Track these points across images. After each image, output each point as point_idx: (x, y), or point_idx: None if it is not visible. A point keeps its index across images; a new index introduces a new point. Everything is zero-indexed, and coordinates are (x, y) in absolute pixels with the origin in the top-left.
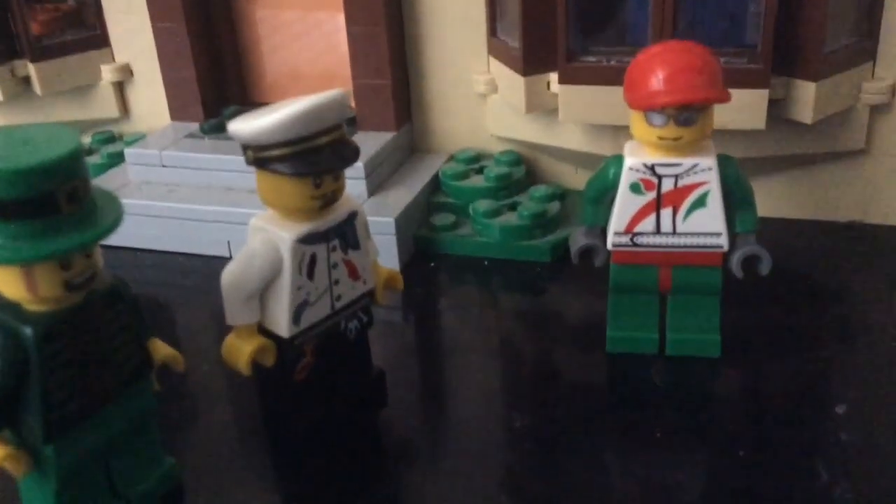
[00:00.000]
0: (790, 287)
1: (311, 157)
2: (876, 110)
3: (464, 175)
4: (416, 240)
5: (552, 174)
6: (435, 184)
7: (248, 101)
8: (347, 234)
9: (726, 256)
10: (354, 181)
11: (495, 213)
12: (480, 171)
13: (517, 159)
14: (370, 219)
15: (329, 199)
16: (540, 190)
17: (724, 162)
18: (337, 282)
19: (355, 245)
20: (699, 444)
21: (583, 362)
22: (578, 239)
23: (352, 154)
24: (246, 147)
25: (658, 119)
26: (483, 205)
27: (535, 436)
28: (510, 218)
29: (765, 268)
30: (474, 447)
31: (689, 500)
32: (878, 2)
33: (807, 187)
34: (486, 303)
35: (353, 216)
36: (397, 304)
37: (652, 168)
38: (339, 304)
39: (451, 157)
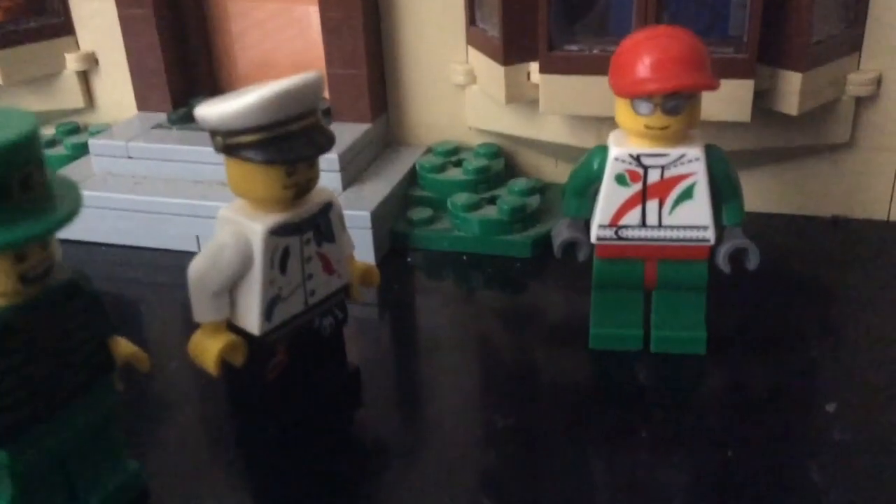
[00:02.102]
0: (775, 283)
1: (284, 143)
2: (861, 102)
3: (441, 168)
4: (393, 234)
5: (532, 167)
6: (412, 177)
7: (218, 92)
8: (322, 225)
9: (712, 250)
10: (328, 173)
11: (474, 206)
12: (459, 163)
13: (496, 152)
14: (347, 213)
15: (303, 189)
16: (520, 183)
17: (711, 152)
18: (311, 276)
19: (330, 238)
20: (686, 445)
21: (565, 360)
22: (561, 232)
23: (327, 141)
24: (214, 133)
25: (645, 107)
26: (461, 198)
27: (516, 436)
28: (489, 212)
29: (752, 262)
30: (454, 448)
31: (675, 502)
32: None
33: (791, 181)
34: (465, 299)
35: (327, 207)
36: (373, 300)
37: (638, 158)
38: (313, 300)
39: (429, 150)
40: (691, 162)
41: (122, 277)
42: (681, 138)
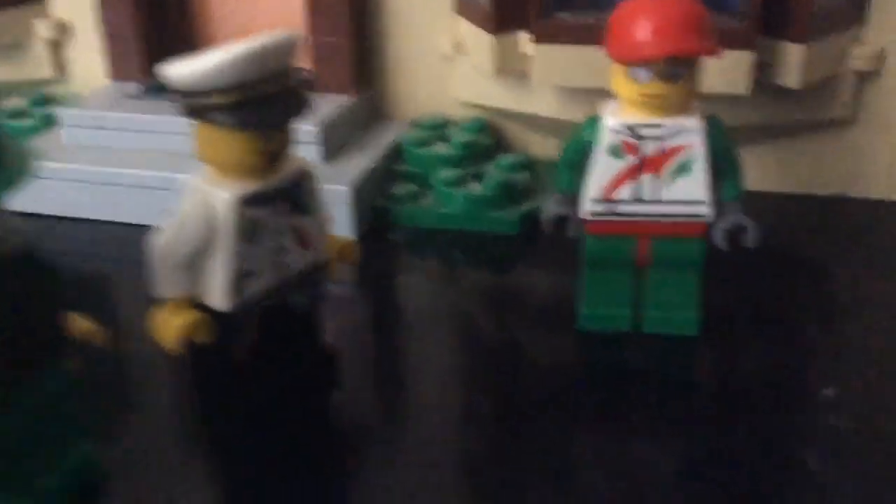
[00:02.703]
0: (773, 263)
1: (256, 106)
2: (863, 78)
3: (427, 142)
4: (375, 210)
5: (521, 142)
6: (397, 151)
7: None
8: (296, 196)
9: (709, 227)
10: (307, 146)
11: (459, 182)
12: (445, 138)
13: (484, 126)
14: (326, 186)
15: (274, 156)
16: (508, 159)
17: (711, 124)
18: (284, 250)
19: (305, 210)
20: (676, 428)
21: (552, 340)
22: (551, 207)
23: (301, 105)
24: (181, 94)
25: (642, 74)
26: (446, 174)
27: (500, 418)
28: (475, 188)
29: (752, 239)
30: (435, 432)
31: (664, 489)
32: None
33: (791, 159)
34: (449, 277)
35: (303, 177)
36: (354, 278)
37: (633, 129)
38: (285, 275)
39: (415, 124)
40: (690, 133)
41: (91, 253)
42: (679, 108)
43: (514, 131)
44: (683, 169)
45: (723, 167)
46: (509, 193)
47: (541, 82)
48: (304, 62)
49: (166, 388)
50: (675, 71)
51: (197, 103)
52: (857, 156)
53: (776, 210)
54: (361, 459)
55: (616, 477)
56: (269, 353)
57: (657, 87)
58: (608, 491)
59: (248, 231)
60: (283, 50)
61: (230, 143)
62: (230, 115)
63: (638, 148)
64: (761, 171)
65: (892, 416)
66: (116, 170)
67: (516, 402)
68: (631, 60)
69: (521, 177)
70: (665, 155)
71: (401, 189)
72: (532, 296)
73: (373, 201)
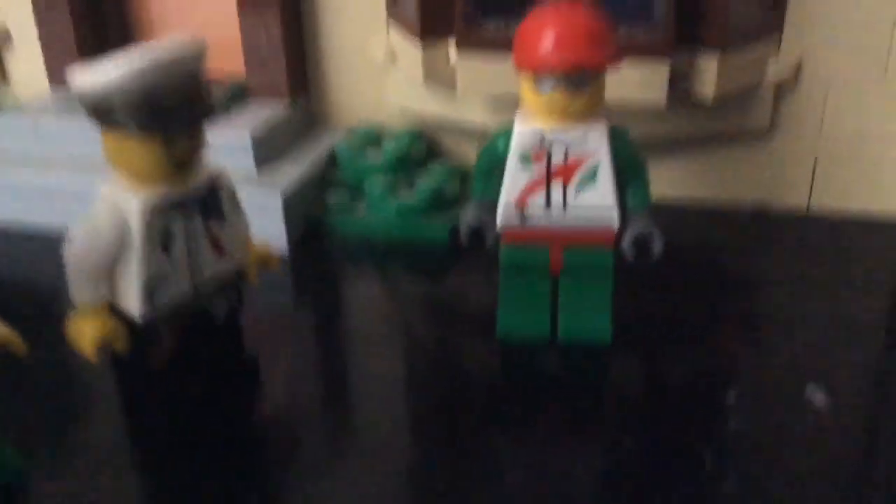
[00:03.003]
0: (691, 273)
1: (161, 112)
2: (781, 89)
3: (360, 151)
4: (308, 219)
5: (456, 151)
6: (331, 159)
7: None
8: (209, 203)
9: (618, 237)
10: (241, 153)
11: (391, 190)
12: (379, 146)
13: (418, 134)
14: (257, 193)
15: (184, 162)
16: (439, 167)
17: (616, 133)
18: (198, 256)
19: (219, 216)
20: (582, 433)
21: (478, 349)
22: (468, 217)
23: (208, 110)
24: (87, 99)
25: (547, 84)
26: (378, 182)
27: (430, 429)
28: (407, 196)
29: (657, 248)
30: (365, 443)
31: (576, 492)
32: None
33: (710, 170)
34: (381, 286)
35: (216, 183)
36: (286, 286)
37: (541, 137)
38: (201, 282)
39: (351, 132)
40: (595, 142)
41: (22, 261)
42: (585, 118)
43: (447, 140)
44: (590, 178)
45: (629, 177)
46: (440, 202)
47: (466, 91)
48: (238, 66)
49: (86, 396)
50: (578, 81)
51: (103, 109)
52: (777, 166)
53: (697, 219)
54: (291, 474)
55: (536, 479)
56: (190, 360)
57: (562, 97)
58: (531, 493)
59: (160, 238)
60: (189, 56)
61: (136, 149)
62: (133, 120)
63: (546, 157)
64: (681, 181)
65: (786, 420)
66: (53, 179)
67: (442, 408)
68: (535, 71)
69: (452, 186)
70: (572, 164)
71: (334, 197)
72: (459, 303)
73: (306, 209)
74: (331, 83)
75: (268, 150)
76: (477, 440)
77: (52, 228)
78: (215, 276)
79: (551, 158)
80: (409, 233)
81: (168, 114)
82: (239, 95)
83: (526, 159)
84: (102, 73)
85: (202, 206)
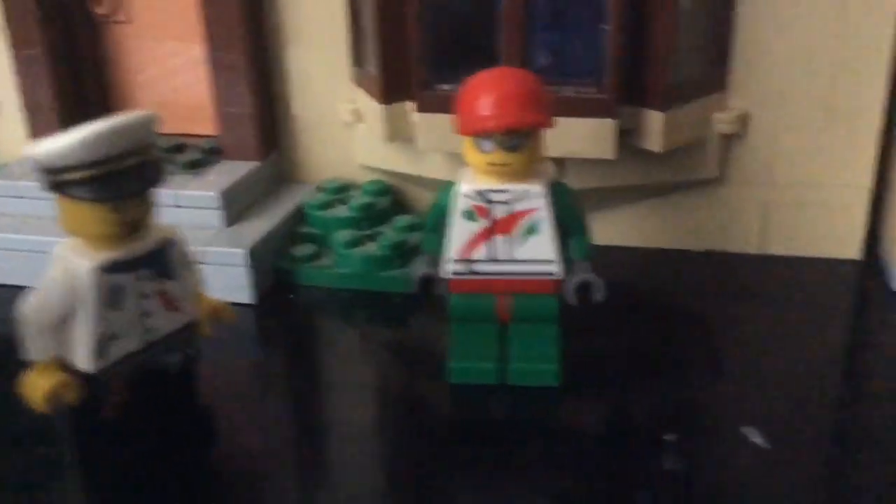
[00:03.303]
0: (645, 316)
1: (110, 180)
2: (729, 139)
3: (328, 205)
4: (276, 271)
5: (420, 204)
6: (300, 214)
7: None
8: (160, 262)
9: (562, 284)
10: (209, 211)
11: (356, 243)
12: (346, 201)
13: (384, 189)
14: (224, 250)
15: (133, 226)
16: (403, 220)
17: (556, 189)
18: (149, 313)
19: (170, 275)
20: (520, 476)
21: (430, 393)
22: (419, 268)
23: (155, 176)
24: (42, 170)
25: (486, 145)
26: (344, 235)
27: (373, 469)
28: (370, 248)
29: (598, 295)
30: (325, 483)
31: None
32: (728, 31)
33: (664, 216)
34: (344, 335)
35: (166, 244)
36: (253, 337)
37: (483, 194)
38: (153, 337)
39: (319, 187)
40: (534, 198)
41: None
42: (525, 174)
43: (412, 193)
44: (532, 230)
45: (571, 229)
46: (403, 253)
47: (426, 148)
48: (211, 130)
49: (43, 447)
50: (515, 141)
51: (56, 179)
52: (728, 212)
53: (652, 264)
54: None
55: None
56: (143, 414)
57: (500, 157)
58: None
59: (111, 297)
60: (138, 128)
61: (88, 215)
62: (85, 190)
63: (489, 211)
64: (636, 227)
65: (722, 459)
66: (32, 237)
67: (401, 453)
68: (471, 133)
69: (415, 237)
70: (514, 218)
71: (301, 250)
72: (421, 349)
73: (273, 262)
74: (301, 142)
75: (237, 208)
76: (431, 484)
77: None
78: (168, 331)
79: (494, 213)
80: (374, 283)
81: (118, 181)
82: (213, 155)
83: (470, 214)
84: (55, 146)
85: (153, 265)
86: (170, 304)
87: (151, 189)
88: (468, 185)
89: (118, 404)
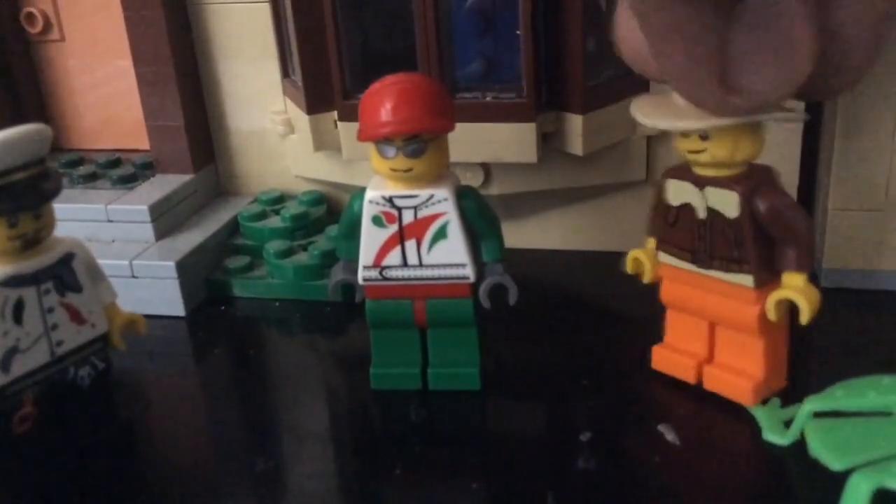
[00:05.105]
0: (574, 319)
1: (3, 194)
2: (654, 141)
3: (262, 216)
4: (209, 283)
5: None
6: (234, 226)
7: (64, 151)
8: (63, 276)
9: (476, 287)
10: (139, 225)
11: (287, 253)
12: (279, 212)
13: (319, 199)
14: (154, 263)
15: (30, 240)
16: (335, 229)
17: (462, 193)
18: (55, 327)
19: (75, 288)
20: (436, 479)
21: (351, 399)
22: (335, 274)
23: (50, 190)
24: None
25: (388, 151)
26: (276, 245)
27: (282, 478)
28: (302, 258)
29: (511, 297)
30: (252, 492)
31: None
32: None
33: (593, 219)
34: (274, 345)
35: (69, 257)
36: (184, 349)
37: (390, 200)
38: (60, 350)
39: (256, 199)
40: (440, 202)
41: None
42: (431, 179)
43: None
44: (441, 235)
45: (482, 232)
46: (333, 262)
47: (349, 157)
48: (144, 143)
49: None
50: (416, 147)
51: None
52: None
53: (580, 268)
54: None
55: None
56: (54, 426)
57: (403, 162)
58: None
59: (12, 311)
60: (30, 142)
61: None
62: None
63: (397, 217)
64: (566, 230)
65: (635, 457)
66: None
67: (328, 456)
68: (370, 139)
69: None
70: (422, 223)
71: (234, 262)
72: (346, 358)
73: (206, 275)
74: (238, 155)
75: (169, 222)
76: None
77: None
78: (76, 344)
79: (402, 219)
80: (306, 293)
81: (10, 196)
82: (147, 170)
83: (378, 221)
84: None
85: (55, 279)
86: (76, 316)
87: (47, 202)
88: (375, 192)
89: (27, 418)
